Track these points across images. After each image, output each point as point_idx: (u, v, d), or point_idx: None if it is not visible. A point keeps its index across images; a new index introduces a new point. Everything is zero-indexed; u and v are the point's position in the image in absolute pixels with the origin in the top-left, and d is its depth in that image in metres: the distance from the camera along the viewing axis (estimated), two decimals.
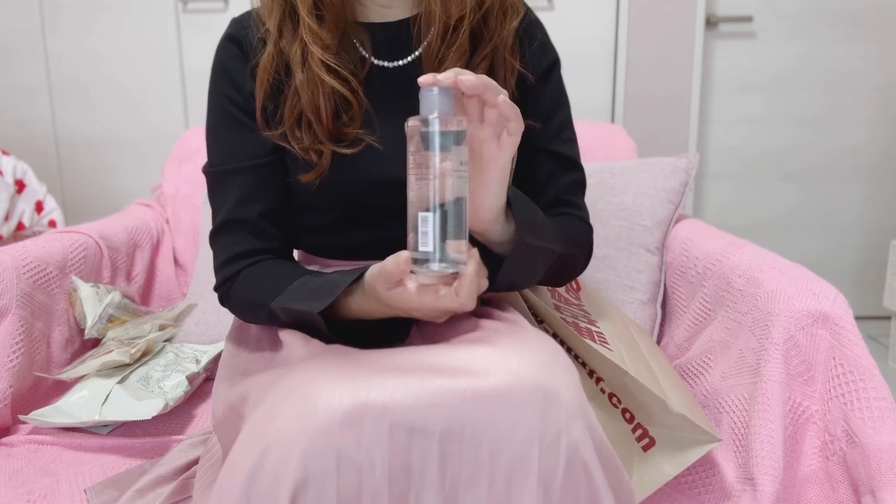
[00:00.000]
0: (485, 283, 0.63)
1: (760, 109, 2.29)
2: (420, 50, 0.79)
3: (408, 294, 0.60)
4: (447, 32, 0.76)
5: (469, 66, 0.77)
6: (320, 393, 0.53)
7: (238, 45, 0.79)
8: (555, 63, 0.84)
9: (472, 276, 0.59)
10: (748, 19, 2.20)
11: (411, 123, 0.59)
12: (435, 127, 0.58)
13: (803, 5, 2.22)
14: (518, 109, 0.62)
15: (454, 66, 0.74)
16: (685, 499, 0.82)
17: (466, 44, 0.76)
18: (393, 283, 0.60)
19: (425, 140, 0.58)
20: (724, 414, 0.86)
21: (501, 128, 0.63)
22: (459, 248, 0.59)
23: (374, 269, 0.62)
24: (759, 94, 2.28)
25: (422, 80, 0.59)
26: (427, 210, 0.58)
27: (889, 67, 2.25)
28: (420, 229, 0.59)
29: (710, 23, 2.21)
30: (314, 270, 0.76)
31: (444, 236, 0.58)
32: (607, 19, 2.18)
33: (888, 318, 2.34)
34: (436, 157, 0.58)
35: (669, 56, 2.19)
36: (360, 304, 0.67)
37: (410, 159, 0.59)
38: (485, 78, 0.60)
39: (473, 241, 0.73)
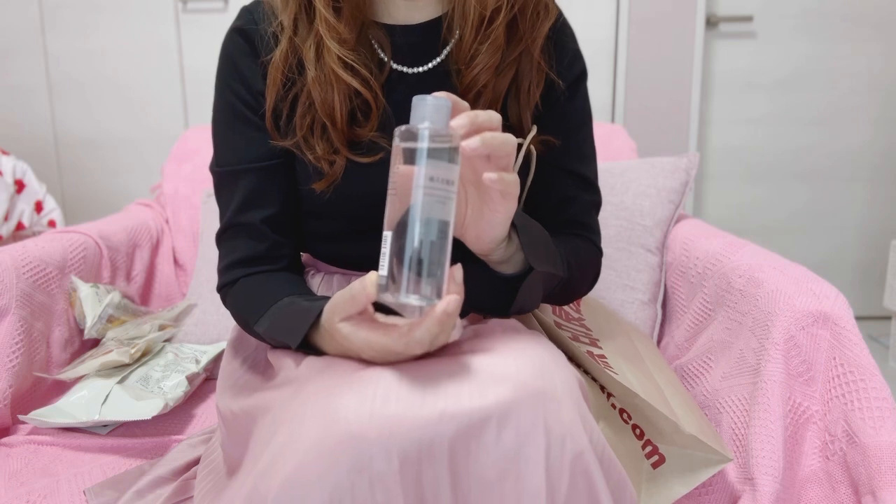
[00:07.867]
0: (442, 340, 0.54)
1: (761, 109, 2.29)
2: (446, 52, 0.74)
3: (353, 330, 0.55)
4: (482, 25, 0.70)
5: (499, 64, 0.72)
6: (326, 419, 0.51)
7: (247, 38, 0.74)
8: (582, 75, 0.80)
9: (435, 318, 0.51)
10: (748, 19, 2.20)
11: (399, 131, 0.53)
12: (424, 137, 0.51)
13: (804, 5, 2.22)
14: (516, 178, 0.57)
15: (487, 63, 0.71)
16: (685, 499, 0.82)
17: (502, 38, 0.71)
18: (353, 310, 0.55)
19: (410, 152, 0.52)
20: (724, 414, 0.86)
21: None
22: (433, 281, 0.51)
23: (336, 296, 0.57)
24: (759, 94, 2.28)
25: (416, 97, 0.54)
26: (397, 230, 0.51)
27: (891, 67, 2.25)
28: (388, 252, 0.51)
29: (711, 23, 2.21)
30: (295, 294, 0.72)
31: (418, 264, 0.50)
32: (607, 19, 2.18)
33: (888, 318, 2.34)
34: (420, 172, 0.51)
35: (669, 56, 2.19)
36: (321, 341, 0.62)
37: (392, 172, 0.53)
38: (489, 142, 0.54)
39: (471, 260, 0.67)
